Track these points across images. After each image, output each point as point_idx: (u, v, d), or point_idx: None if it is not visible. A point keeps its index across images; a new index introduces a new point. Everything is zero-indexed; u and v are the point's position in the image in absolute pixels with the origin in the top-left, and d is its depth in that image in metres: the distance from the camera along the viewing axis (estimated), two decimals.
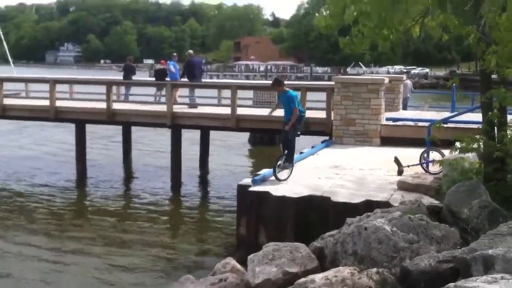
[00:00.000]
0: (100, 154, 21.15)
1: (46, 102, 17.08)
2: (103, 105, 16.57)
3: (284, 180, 9.91)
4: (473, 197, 6.61)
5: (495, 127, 7.96)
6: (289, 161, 10.23)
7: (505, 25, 6.89)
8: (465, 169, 8.19)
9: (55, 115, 16.92)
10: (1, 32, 44.34)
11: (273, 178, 9.88)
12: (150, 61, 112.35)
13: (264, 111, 16.06)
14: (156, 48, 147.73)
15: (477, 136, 8.01)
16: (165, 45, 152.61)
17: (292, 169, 10.26)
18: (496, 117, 7.75)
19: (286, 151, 10.23)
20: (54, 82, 17.24)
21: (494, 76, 8.26)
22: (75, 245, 11.07)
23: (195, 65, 18.89)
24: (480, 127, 8.52)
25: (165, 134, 19.09)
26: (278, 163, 10.04)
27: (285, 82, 11.52)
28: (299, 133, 10.58)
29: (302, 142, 17.35)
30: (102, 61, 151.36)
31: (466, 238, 6.03)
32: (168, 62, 21.56)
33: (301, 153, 12.40)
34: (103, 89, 17.18)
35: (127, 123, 17.58)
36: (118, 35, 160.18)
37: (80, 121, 17.37)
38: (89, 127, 18.41)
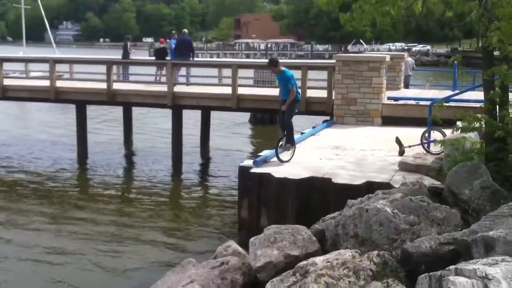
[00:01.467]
0: (101, 134, 21.14)
1: (46, 83, 17.02)
2: (103, 85, 16.52)
3: (287, 161, 9.91)
4: (474, 177, 6.58)
5: (497, 106, 7.89)
6: (291, 142, 10.20)
7: (508, 0, 6.80)
8: (467, 149, 8.15)
9: (56, 96, 16.87)
10: None
11: (275, 159, 9.87)
12: (150, 40, 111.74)
13: (265, 91, 16.07)
14: (155, 26, 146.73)
15: (479, 115, 7.94)
16: (164, 23, 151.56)
17: (294, 150, 10.24)
18: (498, 95, 7.68)
19: (285, 132, 10.23)
20: (54, 62, 17.17)
21: (496, 53, 8.17)
22: (75, 228, 11.11)
23: (180, 44, 19.48)
24: (482, 105, 8.45)
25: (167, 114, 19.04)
26: (280, 143, 10.03)
27: (286, 60, 11.47)
28: (296, 111, 10.51)
29: (303, 122, 17.35)
30: (101, 39, 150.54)
31: (467, 220, 6.04)
32: (169, 40, 21.49)
33: (301, 133, 12.37)
34: (103, 69, 17.10)
35: (127, 103, 17.53)
36: (117, 12, 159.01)
37: (81, 101, 17.33)
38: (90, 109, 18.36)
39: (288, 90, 10.06)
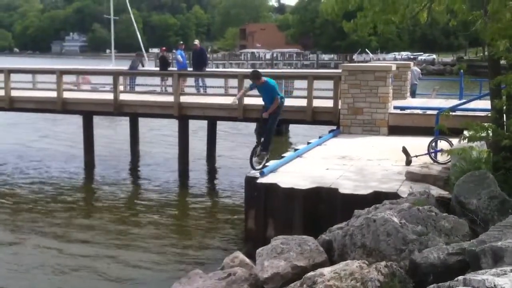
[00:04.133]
0: (107, 145, 21.20)
1: (53, 94, 17.10)
2: (110, 96, 16.59)
3: (259, 169, 9.98)
4: (482, 187, 6.55)
5: (504, 115, 7.86)
6: (266, 149, 10.39)
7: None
8: (474, 159, 8.13)
9: (62, 107, 16.95)
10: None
11: (281, 169, 9.89)
12: (156, 50, 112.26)
13: None
14: (161, 37, 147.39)
15: (486, 124, 7.92)
16: (170, 33, 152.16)
17: (267, 158, 10.40)
18: (504, 104, 7.65)
19: (262, 139, 10.39)
20: (61, 73, 17.26)
21: (503, 62, 8.15)
22: (82, 238, 11.14)
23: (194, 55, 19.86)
24: (489, 114, 8.42)
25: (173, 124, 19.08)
26: (255, 151, 10.28)
27: (292, 70, 11.66)
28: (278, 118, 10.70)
29: (310, 132, 17.34)
30: (107, 50, 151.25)
31: (475, 230, 6.00)
32: (175, 51, 21.69)
33: (308, 143, 12.37)
34: (110, 80, 17.20)
35: (134, 114, 17.59)
36: (123, 23, 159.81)
37: (88, 112, 17.41)
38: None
39: (273, 99, 10.26)
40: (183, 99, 16.13)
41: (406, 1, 8.64)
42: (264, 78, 10.50)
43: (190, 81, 20.71)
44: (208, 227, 11.98)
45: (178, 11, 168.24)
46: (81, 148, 17.90)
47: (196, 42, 21.01)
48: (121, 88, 17.78)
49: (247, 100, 15.39)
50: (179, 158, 16.32)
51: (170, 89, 18.44)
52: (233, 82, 17.96)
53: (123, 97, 16.90)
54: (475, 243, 5.00)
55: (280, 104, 10.28)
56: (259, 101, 15.97)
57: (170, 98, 16.07)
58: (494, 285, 3.80)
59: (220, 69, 48.38)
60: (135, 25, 44.75)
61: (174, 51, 24.19)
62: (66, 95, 17.25)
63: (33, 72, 22.70)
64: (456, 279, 4.13)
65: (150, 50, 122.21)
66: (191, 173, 16.43)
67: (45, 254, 10.18)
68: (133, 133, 20.06)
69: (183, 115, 15.91)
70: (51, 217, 12.64)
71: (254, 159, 10.16)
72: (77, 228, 11.84)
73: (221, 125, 20.67)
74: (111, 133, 23.93)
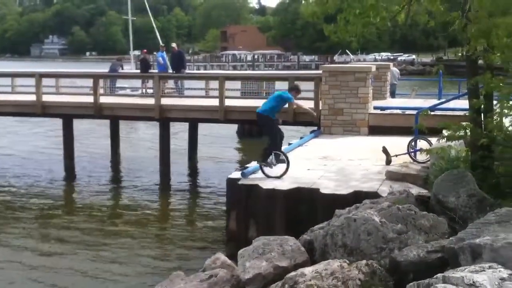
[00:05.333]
0: (88, 148, 21.02)
1: (32, 97, 16.92)
2: (90, 99, 16.46)
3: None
4: (461, 185, 6.63)
5: (482, 114, 7.96)
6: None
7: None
8: (452, 158, 8.22)
9: (42, 110, 16.77)
10: None
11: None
12: (137, 53, 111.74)
13: (252, 102, 16.09)
14: (142, 39, 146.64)
15: (464, 124, 8.01)
16: (151, 36, 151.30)
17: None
18: (481, 104, 7.75)
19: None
20: (40, 76, 17.09)
21: (481, 61, 8.25)
22: (61, 242, 11.05)
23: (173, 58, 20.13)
24: (467, 114, 8.52)
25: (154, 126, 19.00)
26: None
27: (273, 72, 11.70)
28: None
29: (291, 133, 17.38)
30: (87, 53, 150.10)
31: (454, 227, 6.06)
32: (156, 53, 21.66)
33: (289, 144, 12.40)
34: (89, 82, 17.07)
35: (114, 117, 17.47)
36: (103, 26, 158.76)
37: (67, 116, 17.25)
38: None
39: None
40: (164, 101, 16.07)
41: (385, 3, 8.71)
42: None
43: (171, 83, 20.67)
44: (190, 229, 11.96)
45: (159, 13, 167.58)
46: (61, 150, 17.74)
47: (174, 44, 21.02)
48: (101, 91, 17.64)
49: (228, 102, 15.40)
50: (160, 161, 16.25)
51: (151, 91, 18.37)
52: (214, 84, 17.96)
53: (103, 100, 16.77)
54: (454, 240, 5.05)
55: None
56: (240, 103, 16.06)
57: (151, 101, 16.00)
58: (473, 282, 3.85)
59: (202, 71, 48.29)
60: (154, 26, 43.92)
61: (155, 53, 24.08)
62: (46, 98, 17.08)
63: (12, 75, 22.42)
64: (435, 276, 4.18)
65: (131, 52, 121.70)
66: (173, 175, 16.37)
67: (15, 268, 9.77)
68: (113, 136, 19.91)
69: (164, 118, 15.85)
70: (31, 222, 12.50)
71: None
72: (57, 232, 11.73)
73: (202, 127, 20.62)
74: (92, 135, 23.78)
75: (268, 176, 9.62)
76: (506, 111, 7.34)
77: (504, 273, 3.98)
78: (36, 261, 10.05)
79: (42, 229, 11.98)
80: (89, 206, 13.82)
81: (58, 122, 18.31)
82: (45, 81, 17.99)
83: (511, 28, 6.88)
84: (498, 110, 7.56)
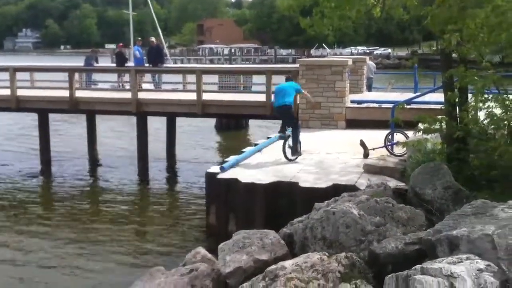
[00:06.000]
0: (64, 143, 20.79)
1: (7, 92, 16.65)
2: (66, 93, 16.26)
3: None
4: (437, 178, 6.73)
5: (457, 107, 8.07)
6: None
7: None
8: (429, 150, 8.33)
9: (17, 105, 16.53)
10: None
11: (241, 164, 9.94)
12: (112, 46, 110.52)
13: (230, 96, 16.10)
14: (118, 32, 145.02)
15: (439, 117, 8.12)
16: (126, 29, 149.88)
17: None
18: (455, 97, 7.86)
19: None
20: (14, 70, 16.82)
21: (455, 55, 8.34)
22: (37, 238, 10.94)
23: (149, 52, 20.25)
24: (443, 107, 8.62)
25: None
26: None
27: (250, 66, 11.98)
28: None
29: (268, 126, 17.43)
30: (62, 46, 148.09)
31: (432, 219, 6.16)
32: (133, 47, 21.49)
33: (268, 138, 12.44)
34: (65, 76, 16.85)
35: (91, 111, 17.28)
36: (77, 19, 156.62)
37: (43, 110, 17.02)
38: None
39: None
40: (141, 95, 15.96)
41: None
42: None
43: (148, 77, 20.53)
44: (170, 224, 11.92)
45: (135, 6, 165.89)
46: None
47: (153, 39, 20.88)
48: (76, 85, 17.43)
49: (206, 96, 15.36)
50: (138, 155, 16.14)
51: (127, 86, 18.22)
52: (191, 78, 17.86)
53: (79, 94, 16.59)
54: (431, 232, 5.13)
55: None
56: (218, 96, 16.04)
57: (128, 95, 15.87)
58: (451, 273, 3.92)
59: (179, 65, 47.98)
60: (155, 19, 43.10)
61: (131, 46, 23.88)
62: (20, 92, 16.83)
63: None
64: (414, 268, 4.24)
65: (106, 46, 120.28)
66: (151, 170, 16.28)
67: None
68: (90, 131, 19.69)
69: (141, 112, 15.74)
70: (6, 220, 12.32)
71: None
72: (33, 229, 11.60)
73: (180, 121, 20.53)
74: (67, 131, 23.52)
75: (288, 159, 10.43)
76: (480, 104, 7.46)
77: (481, 264, 4.06)
78: (10, 256, 9.93)
79: (16, 224, 11.82)
80: (66, 202, 13.68)
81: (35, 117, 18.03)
82: (19, 75, 17.73)
83: (481, 20, 6.99)
84: (473, 103, 7.67)
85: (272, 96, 10.92)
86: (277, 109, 10.91)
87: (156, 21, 41.90)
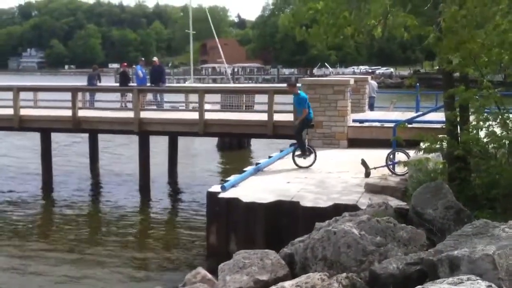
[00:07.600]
0: (66, 163, 20.81)
1: (10, 111, 16.72)
2: (68, 112, 16.32)
3: (306, 167, 11.43)
4: (438, 197, 6.70)
5: (458, 126, 8.06)
6: (302, 151, 11.65)
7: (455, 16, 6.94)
8: (430, 170, 8.30)
9: (20, 124, 16.59)
10: None
11: (242, 183, 9.92)
12: (116, 65, 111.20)
13: (232, 115, 16.13)
14: (122, 52, 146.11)
15: (440, 136, 8.11)
16: (130, 49, 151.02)
17: (310, 156, 11.66)
18: (456, 116, 7.85)
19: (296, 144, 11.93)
20: (18, 89, 16.91)
21: (457, 74, 8.35)
22: (38, 256, 10.90)
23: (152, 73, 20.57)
24: (444, 126, 8.61)
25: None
26: (296, 153, 11.68)
27: (253, 85, 12.39)
28: (306, 131, 12.23)
29: (270, 146, 17.44)
30: (66, 66, 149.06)
31: (433, 239, 6.12)
32: (135, 67, 21.66)
33: (269, 157, 12.43)
34: (68, 96, 16.92)
35: (93, 130, 17.32)
36: (82, 39, 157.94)
37: (45, 129, 17.07)
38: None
39: (302, 110, 11.67)
40: (144, 114, 16.01)
41: (360, 15, 8.80)
42: (298, 90, 12.02)
43: (150, 97, 20.62)
44: (170, 243, 11.87)
45: (138, 26, 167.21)
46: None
47: (155, 58, 21.06)
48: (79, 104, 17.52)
49: (208, 115, 15.40)
50: (140, 175, 16.14)
51: (130, 105, 18.29)
52: (194, 97, 17.95)
53: (82, 113, 16.65)
54: (432, 252, 5.10)
55: (307, 116, 11.66)
56: (220, 116, 16.07)
57: (130, 114, 15.92)
58: None
59: (181, 84, 48.20)
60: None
61: (134, 66, 24.03)
62: (23, 112, 16.90)
63: None
64: None
65: (110, 66, 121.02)
66: (153, 189, 16.26)
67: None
68: (92, 150, 19.75)
69: (143, 131, 15.78)
70: (7, 239, 12.27)
71: (296, 158, 11.65)
72: (34, 248, 11.54)
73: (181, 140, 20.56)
74: (69, 150, 23.55)
75: (299, 166, 11.43)
76: (481, 123, 7.45)
77: (482, 284, 4.02)
78: (6, 279, 9.86)
79: (18, 242, 11.78)
80: (68, 220, 13.66)
81: (37, 136, 18.08)
82: (23, 95, 17.83)
83: (483, 41, 7.02)
84: (474, 122, 7.67)
85: (304, 109, 11.65)
86: (310, 121, 11.87)
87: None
